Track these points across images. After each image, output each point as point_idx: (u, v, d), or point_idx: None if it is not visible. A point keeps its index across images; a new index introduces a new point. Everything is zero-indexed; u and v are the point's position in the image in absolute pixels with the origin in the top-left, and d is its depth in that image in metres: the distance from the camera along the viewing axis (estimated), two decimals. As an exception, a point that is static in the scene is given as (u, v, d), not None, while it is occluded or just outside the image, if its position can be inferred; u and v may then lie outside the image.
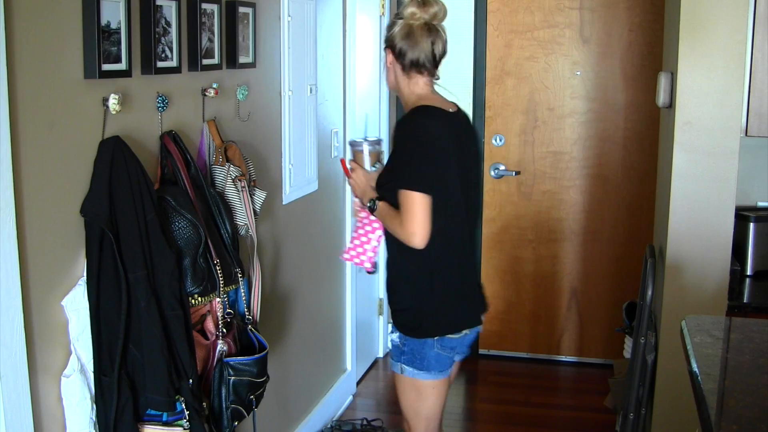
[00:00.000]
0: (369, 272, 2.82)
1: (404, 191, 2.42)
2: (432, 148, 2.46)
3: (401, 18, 2.54)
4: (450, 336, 2.56)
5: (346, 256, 2.77)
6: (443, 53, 2.57)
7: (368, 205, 2.60)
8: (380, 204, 2.55)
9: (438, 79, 2.62)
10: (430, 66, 2.56)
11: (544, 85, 4.54)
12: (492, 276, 4.72)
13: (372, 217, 2.65)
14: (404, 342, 2.58)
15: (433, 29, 2.53)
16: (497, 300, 4.73)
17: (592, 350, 4.72)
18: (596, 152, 4.55)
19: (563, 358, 4.77)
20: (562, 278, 4.69)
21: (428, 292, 2.56)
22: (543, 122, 4.57)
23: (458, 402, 4.24)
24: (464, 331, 2.60)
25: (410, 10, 2.52)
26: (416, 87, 2.58)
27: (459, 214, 2.57)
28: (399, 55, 2.55)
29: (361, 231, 2.72)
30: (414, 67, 2.55)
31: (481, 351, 4.79)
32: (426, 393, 2.61)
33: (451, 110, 2.59)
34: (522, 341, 4.80)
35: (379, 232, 2.69)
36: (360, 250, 2.73)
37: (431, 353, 2.55)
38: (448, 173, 2.50)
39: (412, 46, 2.52)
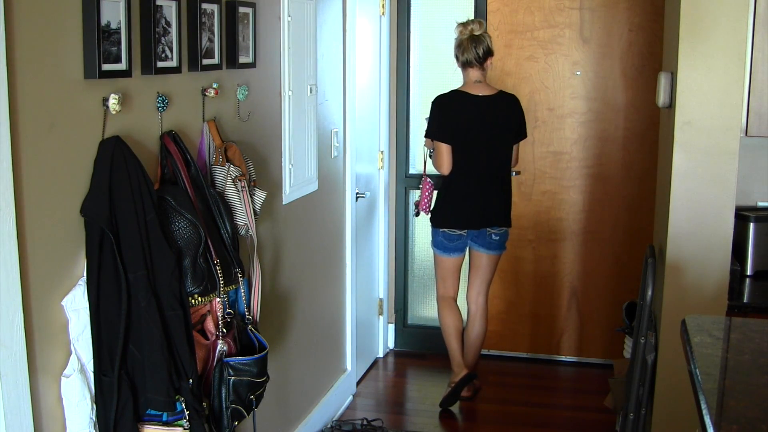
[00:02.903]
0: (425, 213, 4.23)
1: (435, 141, 4.01)
2: (438, 114, 3.96)
3: (456, 36, 3.95)
4: (446, 230, 4.05)
5: (424, 209, 4.17)
6: (486, 52, 3.91)
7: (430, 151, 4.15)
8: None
9: (485, 69, 3.95)
10: (477, 63, 3.92)
11: (544, 85, 4.54)
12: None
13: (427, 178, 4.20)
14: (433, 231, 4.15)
15: (475, 38, 3.88)
16: (497, 300, 4.74)
17: (592, 350, 4.72)
18: (596, 152, 4.55)
19: (563, 358, 4.77)
20: (562, 278, 4.69)
21: (441, 202, 4.08)
22: (543, 122, 4.57)
23: (458, 402, 4.24)
24: (459, 232, 4.04)
25: (458, 29, 3.94)
26: (466, 78, 3.99)
27: (467, 158, 3.93)
28: (456, 59, 3.97)
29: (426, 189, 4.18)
30: (465, 65, 3.95)
31: (482, 351, 4.78)
32: (437, 261, 4.19)
33: (480, 94, 3.94)
34: (522, 341, 4.80)
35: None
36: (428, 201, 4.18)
37: (437, 238, 4.11)
38: (452, 131, 3.93)
39: (462, 52, 3.92)
